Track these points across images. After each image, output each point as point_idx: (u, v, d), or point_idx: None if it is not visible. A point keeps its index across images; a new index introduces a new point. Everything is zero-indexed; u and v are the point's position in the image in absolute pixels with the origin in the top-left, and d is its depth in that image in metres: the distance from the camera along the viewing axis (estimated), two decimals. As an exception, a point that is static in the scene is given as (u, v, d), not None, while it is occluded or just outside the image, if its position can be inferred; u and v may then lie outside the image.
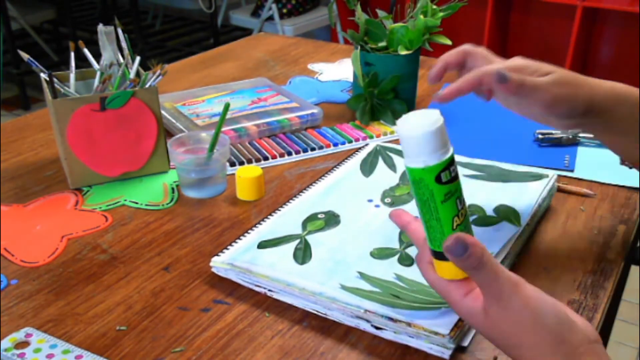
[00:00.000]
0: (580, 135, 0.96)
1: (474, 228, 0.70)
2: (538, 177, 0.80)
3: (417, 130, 0.43)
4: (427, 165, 0.44)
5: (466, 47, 0.70)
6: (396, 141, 0.96)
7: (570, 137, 0.95)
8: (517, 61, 0.66)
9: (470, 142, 0.97)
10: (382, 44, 1.01)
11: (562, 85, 0.63)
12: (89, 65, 0.88)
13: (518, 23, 3.34)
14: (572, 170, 0.88)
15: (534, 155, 0.93)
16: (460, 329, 0.56)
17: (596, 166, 0.89)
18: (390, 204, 0.76)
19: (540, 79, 0.63)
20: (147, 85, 0.84)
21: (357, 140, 0.96)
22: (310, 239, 0.69)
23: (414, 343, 0.57)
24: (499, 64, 0.67)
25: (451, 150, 0.46)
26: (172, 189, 0.84)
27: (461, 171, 0.83)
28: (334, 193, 0.79)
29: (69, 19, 3.36)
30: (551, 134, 0.96)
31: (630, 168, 0.69)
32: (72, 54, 0.87)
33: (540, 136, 0.96)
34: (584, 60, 3.18)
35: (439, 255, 0.50)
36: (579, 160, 0.91)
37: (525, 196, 0.76)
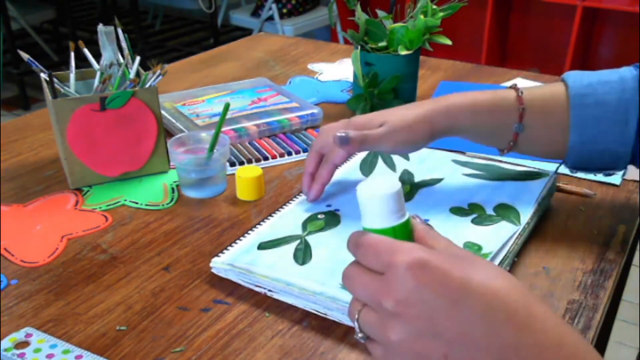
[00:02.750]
0: None
1: (474, 227, 0.70)
2: (538, 176, 0.80)
3: (376, 192, 0.44)
4: (384, 227, 0.45)
5: (314, 147, 0.77)
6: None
7: None
8: (356, 119, 0.74)
9: None
10: (382, 44, 1.01)
11: (399, 130, 0.71)
12: (89, 65, 0.88)
13: (518, 23, 3.34)
14: None
15: None
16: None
17: None
18: (390, 204, 0.76)
19: (379, 130, 0.71)
20: (147, 85, 0.84)
21: (357, 140, 0.96)
22: (311, 239, 0.69)
23: (414, 343, 0.56)
24: (336, 129, 0.73)
25: (407, 216, 0.46)
26: (172, 189, 0.84)
27: (460, 170, 0.83)
28: (334, 193, 0.79)
29: (69, 19, 3.36)
30: None
31: (502, 154, 0.75)
32: (72, 54, 0.87)
33: None
34: (583, 60, 3.19)
35: None
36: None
37: (525, 195, 0.76)
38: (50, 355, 0.56)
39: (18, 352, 0.56)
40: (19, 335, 0.58)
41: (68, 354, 0.56)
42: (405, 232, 0.45)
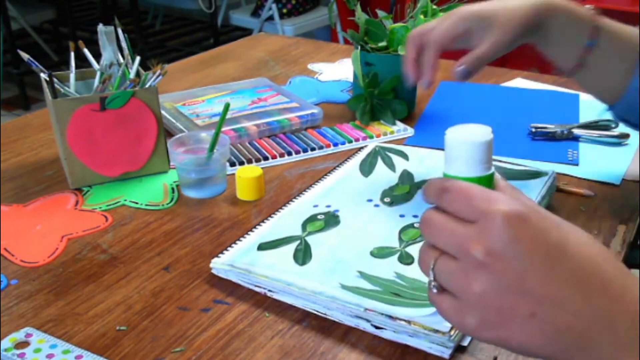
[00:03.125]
0: (575, 130, 0.97)
1: None
2: (537, 175, 0.80)
3: (468, 138, 0.42)
4: (471, 176, 0.43)
5: (412, 35, 0.80)
6: (395, 141, 0.96)
7: (565, 132, 0.96)
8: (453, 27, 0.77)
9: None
10: (382, 44, 1.01)
11: (505, 35, 0.75)
12: (89, 65, 0.88)
13: (518, 23, 3.33)
14: (576, 165, 0.89)
15: (532, 149, 0.94)
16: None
17: (597, 161, 0.90)
18: (390, 204, 0.76)
19: (483, 47, 0.75)
20: (147, 85, 0.84)
21: (357, 140, 0.96)
22: (310, 239, 0.69)
23: (413, 342, 0.57)
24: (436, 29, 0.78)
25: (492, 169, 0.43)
26: (172, 189, 0.84)
27: (461, 171, 0.83)
28: (334, 194, 0.79)
29: (69, 19, 3.36)
30: (545, 127, 0.97)
31: (567, 75, 0.77)
32: (72, 54, 0.87)
33: (533, 129, 0.97)
34: (584, 60, 3.18)
35: None
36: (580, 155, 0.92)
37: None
38: (50, 355, 0.56)
39: (18, 352, 0.56)
40: (19, 335, 0.58)
41: (68, 354, 0.56)
42: (490, 185, 0.42)
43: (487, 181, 0.42)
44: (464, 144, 0.42)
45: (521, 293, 0.37)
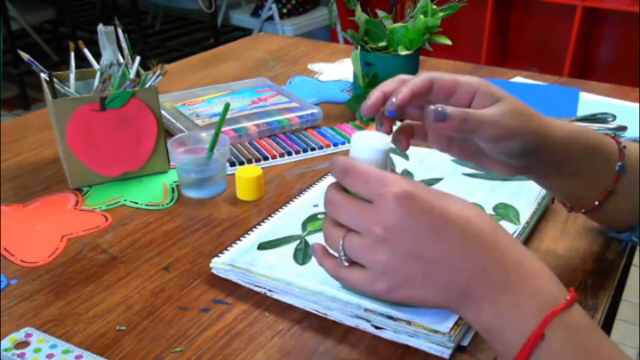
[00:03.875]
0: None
1: None
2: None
3: (369, 149, 0.49)
4: None
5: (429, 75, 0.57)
6: (396, 141, 0.96)
7: None
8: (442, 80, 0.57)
9: None
10: (382, 44, 1.01)
11: (514, 116, 0.54)
12: (89, 65, 0.88)
13: (518, 23, 3.34)
14: None
15: None
16: (460, 327, 0.56)
17: None
18: (390, 204, 0.76)
19: (487, 110, 0.54)
20: (147, 85, 0.84)
21: (357, 140, 0.96)
22: (311, 239, 0.69)
23: (414, 342, 0.56)
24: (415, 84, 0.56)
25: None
26: (172, 189, 0.84)
27: (460, 169, 0.83)
28: (334, 193, 0.79)
29: (69, 19, 3.37)
30: None
31: (569, 211, 0.66)
32: (72, 54, 0.87)
33: None
34: (584, 60, 3.19)
35: None
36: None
37: (524, 194, 0.76)
38: (50, 355, 0.56)
39: (18, 352, 0.56)
40: (19, 335, 0.58)
41: (68, 354, 0.56)
42: None
43: None
44: (365, 150, 0.49)
45: (416, 258, 0.46)
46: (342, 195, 0.48)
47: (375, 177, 0.47)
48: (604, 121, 0.98)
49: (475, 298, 0.46)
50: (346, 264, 0.48)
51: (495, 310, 0.45)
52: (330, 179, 0.82)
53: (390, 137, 0.50)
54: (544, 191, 0.76)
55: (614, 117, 0.99)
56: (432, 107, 0.53)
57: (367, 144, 0.49)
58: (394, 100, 0.54)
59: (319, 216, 0.74)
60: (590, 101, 1.09)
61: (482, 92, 0.55)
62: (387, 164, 0.50)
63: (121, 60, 0.88)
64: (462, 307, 0.47)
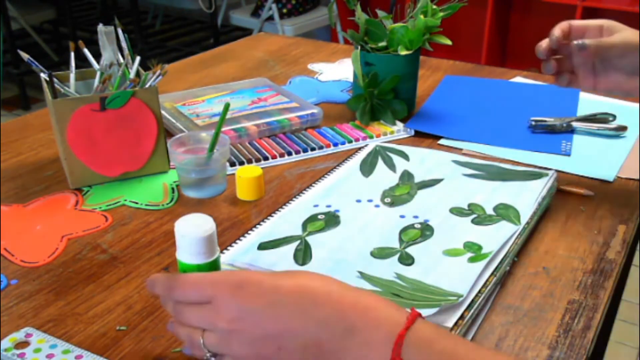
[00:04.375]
0: (574, 123, 0.97)
1: (474, 227, 0.70)
2: (538, 175, 0.80)
3: (193, 234, 0.52)
4: (195, 263, 0.53)
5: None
6: (396, 141, 0.96)
7: (564, 125, 0.97)
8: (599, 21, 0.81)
9: (467, 127, 1.00)
10: (382, 44, 1.01)
11: (630, 36, 0.77)
12: (89, 65, 0.88)
13: (518, 23, 3.34)
14: (568, 155, 0.91)
15: (529, 141, 0.96)
16: (460, 327, 0.56)
17: (592, 156, 0.91)
18: (390, 204, 0.76)
19: (613, 38, 0.78)
20: (147, 85, 0.84)
21: (357, 140, 0.96)
22: (311, 239, 0.69)
23: (414, 343, 0.56)
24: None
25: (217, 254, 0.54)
26: (172, 189, 0.84)
27: (460, 170, 0.83)
28: (334, 194, 0.79)
29: (69, 19, 3.36)
30: (544, 121, 0.98)
31: None
32: (72, 54, 0.87)
33: (533, 123, 0.99)
34: (584, 60, 3.18)
35: None
36: (574, 148, 0.94)
37: (525, 195, 0.76)
38: (50, 355, 0.56)
39: (18, 352, 0.56)
40: (19, 335, 0.58)
41: (68, 354, 0.56)
42: (211, 269, 0.53)
43: (210, 266, 0.53)
44: (187, 238, 0.52)
45: (264, 338, 0.47)
46: (182, 305, 0.51)
47: (206, 280, 0.50)
48: (604, 121, 0.98)
49: (331, 353, 0.47)
50: (213, 359, 0.50)
51: (353, 355, 0.46)
52: (331, 178, 0.82)
53: (211, 221, 0.53)
54: (544, 191, 0.76)
55: (614, 117, 0.99)
56: (575, 42, 0.78)
57: (192, 229, 0.52)
58: (554, 37, 0.80)
59: (319, 216, 0.74)
60: (590, 101, 1.09)
61: (606, 27, 0.79)
62: (214, 244, 0.53)
63: (121, 60, 0.88)
64: None
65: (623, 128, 0.96)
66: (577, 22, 0.81)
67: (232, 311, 0.48)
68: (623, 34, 0.78)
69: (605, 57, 0.79)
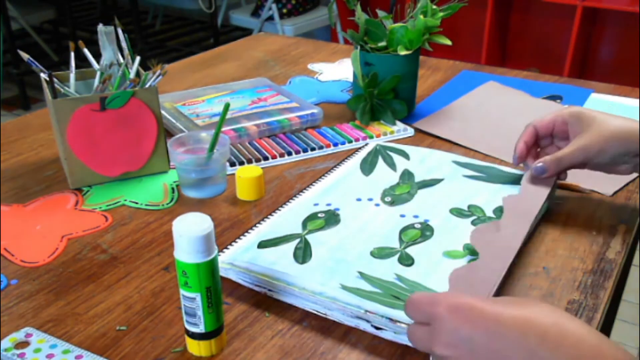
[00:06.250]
0: None
1: (475, 228, 0.70)
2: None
3: (190, 233, 0.51)
4: (195, 262, 0.52)
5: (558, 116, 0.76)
6: (396, 141, 0.96)
7: None
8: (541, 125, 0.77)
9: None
10: (382, 44, 1.01)
11: (592, 147, 0.72)
12: (89, 65, 0.88)
13: (518, 23, 3.34)
14: None
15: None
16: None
17: None
18: (391, 203, 0.76)
19: (569, 150, 0.72)
20: (147, 85, 0.84)
21: (357, 140, 0.96)
22: (311, 238, 0.69)
23: (414, 343, 0.56)
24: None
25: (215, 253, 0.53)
26: (172, 189, 0.84)
27: (461, 172, 0.83)
28: (334, 192, 0.79)
29: (69, 19, 3.36)
30: None
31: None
32: (72, 54, 0.87)
33: None
34: (584, 60, 3.18)
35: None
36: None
37: (525, 196, 0.76)
38: (50, 355, 0.56)
39: (18, 352, 0.56)
40: (19, 335, 0.58)
41: (68, 354, 0.56)
42: (209, 268, 0.52)
43: (208, 265, 0.52)
44: (185, 237, 0.51)
45: None
46: (412, 324, 0.50)
47: (426, 299, 0.48)
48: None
49: None
50: None
51: None
52: (331, 177, 0.82)
53: (209, 220, 0.52)
54: (544, 195, 0.76)
55: None
56: (533, 166, 0.74)
57: (189, 228, 0.51)
58: (516, 156, 0.77)
59: (319, 215, 0.74)
60: (599, 101, 1.09)
61: (571, 122, 0.74)
62: (212, 243, 0.52)
63: (121, 60, 0.88)
64: None
65: None
66: (543, 123, 0.76)
67: (447, 335, 0.46)
68: (579, 141, 0.72)
69: (569, 167, 0.74)
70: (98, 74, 0.85)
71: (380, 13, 1.03)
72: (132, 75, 0.85)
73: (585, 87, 1.16)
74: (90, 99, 0.80)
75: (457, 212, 0.74)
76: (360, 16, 1.01)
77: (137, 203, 0.80)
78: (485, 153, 0.91)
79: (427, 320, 0.48)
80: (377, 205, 0.76)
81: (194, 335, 0.55)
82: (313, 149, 0.93)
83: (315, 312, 0.61)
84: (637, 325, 1.87)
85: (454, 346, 0.45)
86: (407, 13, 1.02)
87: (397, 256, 0.66)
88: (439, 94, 1.14)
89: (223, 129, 0.86)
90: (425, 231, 0.70)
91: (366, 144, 0.94)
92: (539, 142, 0.78)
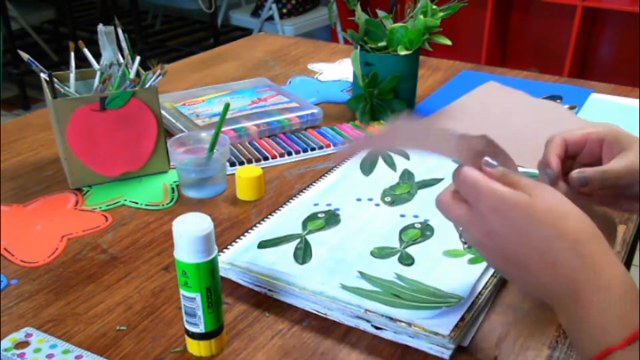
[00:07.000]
0: None
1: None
2: (537, 178, 0.80)
3: (189, 233, 0.51)
4: (189, 262, 0.52)
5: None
6: (396, 141, 0.96)
7: None
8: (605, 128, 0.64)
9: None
10: (382, 44, 1.01)
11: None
12: (89, 65, 0.88)
13: (518, 23, 3.34)
14: None
15: None
16: (460, 329, 0.56)
17: None
18: (391, 203, 0.76)
19: (620, 164, 0.61)
20: (147, 85, 0.84)
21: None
22: (311, 238, 0.69)
23: (414, 343, 0.56)
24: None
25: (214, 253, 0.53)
26: (172, 189, 0.84)
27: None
28: (334, 192, 0.79)
29: (69, 19, 3.36)
30: None
31: None
32: (72, 54, 0.87)
33: None
34: (584, 60, 3.18)
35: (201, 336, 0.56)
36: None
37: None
38: (50, 355, 0.56)
39: (18, 352, 0.56)
40: (19, 335, 0.58)
41: (68, 354, 0.56)
42: (209, 268, 0.53)
43: (208, 265, 0.52)
44: (185, 237, 0.51)
45: (507, 258, 0.50)
46: (450, 195, 0.53)
47: (472, 184, 0.50)
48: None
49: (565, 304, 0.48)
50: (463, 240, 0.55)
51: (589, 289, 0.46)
52: (331, 177, 0.82)
53: (209, 220, 0.52)
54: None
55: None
56: (575, 174, 0.62)
57: (189, 227, 0.51)
58: (551, 174, 0.64)
59: (320, 215, 0.74)
60: (600, 100, 1.09)
61: (608, 141, 0.63)
62: (212, 243, 0.53)
63: (121, 60, 0.88)
64: (554, 307, 0.50)
65: None
66: (574, 136, 0.64)
67: (485, 225, 0.50)
68: (629, 157, 0.61)
69: (612, 186, 0.62)
70: (98, 74, 0.85)
71: (380, 13, 1.03)
72: (132, 75, 0.85)
73: (585, 87, 1.16)
74: (90, 99, 0.80)
75: (457, 212, 0.74)
76: (360, 16, 1.01)
77: (137, 203, 0.80)
78: (485, 153, 0.91)
79: (469, 201, 0.51)
80: (377, 205, 0.76)
81: (194, 335, 0.55)
82: (313, 149, 0.93)
83: (315, 312, 0.61)
84: (637, 325, 1.87)
85: (489, 236, 0.50)
86: (407, 13, 1.02)
87: (397, 256, 0.66)
88: (439, 94, 1.14)
89: (223, 129, 0.86)
90: (425, 231, 0.70)
91: (366, 144, 0.93)
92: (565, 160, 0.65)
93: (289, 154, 0.92)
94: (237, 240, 0.69)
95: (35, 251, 0.71)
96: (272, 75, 1.25)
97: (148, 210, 0.79)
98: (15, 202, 0.81)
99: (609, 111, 1.03)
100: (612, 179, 0.61)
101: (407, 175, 0.83)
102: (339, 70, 1.29)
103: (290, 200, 0.78)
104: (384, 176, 0.83)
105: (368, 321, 0.58)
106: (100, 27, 0.86)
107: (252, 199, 0.81)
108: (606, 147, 0.63)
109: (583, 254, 0.47)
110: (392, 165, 0.86)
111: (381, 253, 0.67)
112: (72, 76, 0.86)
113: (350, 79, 1.21)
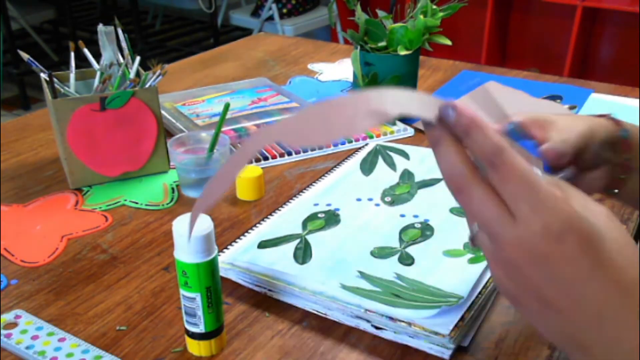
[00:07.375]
0: None
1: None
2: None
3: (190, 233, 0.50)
4: (194, 262, 0.52)
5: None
6: (396, 140, 0.96)
7: None
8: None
9: None
10: (382, 44, 1.01)
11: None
12: (89, 65, 0.88)
13: (518, 23, 3.34)
14: None
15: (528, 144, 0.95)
16: (460, 329, 0.56)
17: None
18: (391, 203, 0.76)
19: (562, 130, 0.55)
20: (147, 85, 0.84)
21: (357, 140, 0.96)
22: (311, 238, 0.69)
23: (414, 343, 0.56)
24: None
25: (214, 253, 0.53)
26: (172, 189, 0.84)
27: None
28: (334, 192, 0.79)
29: (69, 19, 3.36)
30: None
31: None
32: (72, 54, 0.87)
33: None
34: (584, 60, 3.18)
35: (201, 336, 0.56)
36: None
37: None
38: (35, 337, 0.57)
39: (6, 332, 0.57)
40: (9, 317, 0.59)
41: (52, 336, 0.57)
42: (209, 268, 0.52)
43: (208, 265, 0.52)
44: (184, 237, 0.51)
45: (529, 290, 0.38)
46: (485, 189, 0.38)
47: (528, 189, 0.37)
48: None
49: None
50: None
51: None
52: (331, 177, 0.82)
53: (209, 220, 0.52)
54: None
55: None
56: (547, 148, 0.53)
57: (185, 230, 0.51)
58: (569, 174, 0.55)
59: (319, 215, 0.74)
60: (601, 100, 1.09)
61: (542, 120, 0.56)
62: (212, 243, 0.53)
63: (121, 60, 0.88)
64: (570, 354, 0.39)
65: None
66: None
67: (527, 254, 0.37)
68: (559, 124, 0.56)
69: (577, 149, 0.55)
70: (98, 74, 0.85)
71: (380, 13, 1.03)
72: (132, 75, 0.85)
73: (585, 87, 1.16)
74: (90, 99, 0.80)
75: (457, 212, 0.74)
76: (360, 16, 1.01)
77: (137, 203, 0.80)
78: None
79: (517, 212, 0.37)
80: (377, 205, 0.76)
81: (194, 335, 0.55)
82: (313, 149, 0.93)
83: (315, 312, 0.61)
84: (637, 325, 1.87)
85: (521, 267, 0.37)
86: (407, 13, 1.02)
87: (397, 256, 0.66)
88: (439, 94, 1.14)
89: (223, 129, 0.86)
90: (425, 231, 0.70)
91: (366, 144, 0.94)
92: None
93: (289, 154, 0.92)
94: (237, 240, 0.69)
95: (35, 251, 0.71)
96: (272, 75, 1.25)
97: (148, 210, 0.79)
98: (15, 202, 0.81)
99: (609, 111, 1.03)
100: (573, 140, 0.54)
101: (407, 175, 0.83)
102: (339, 70, 1.29)
103: (290, 200, 0.78)
104: (384, 176, 0.83)
105: (368, 321, 0.58)
106: (100, 27, 0.86)
107: (252, 199, 0.81)
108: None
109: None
110: (392, 165, 0.86)
111: (381, 253, 0.67)
112: (72, 76, 0.86)
113: (350, 79, 1.21)
